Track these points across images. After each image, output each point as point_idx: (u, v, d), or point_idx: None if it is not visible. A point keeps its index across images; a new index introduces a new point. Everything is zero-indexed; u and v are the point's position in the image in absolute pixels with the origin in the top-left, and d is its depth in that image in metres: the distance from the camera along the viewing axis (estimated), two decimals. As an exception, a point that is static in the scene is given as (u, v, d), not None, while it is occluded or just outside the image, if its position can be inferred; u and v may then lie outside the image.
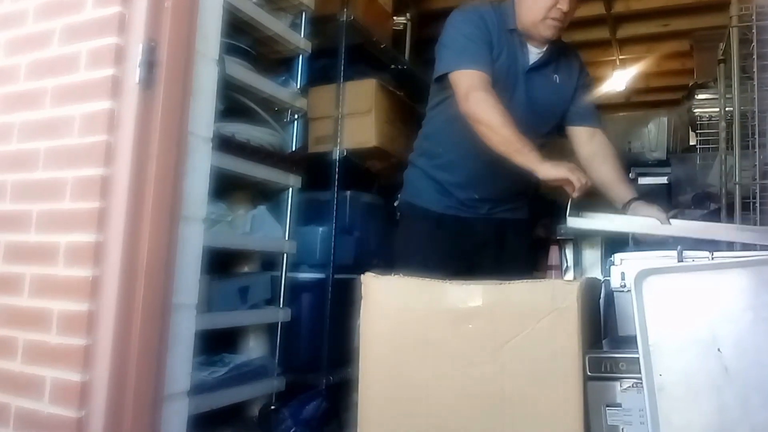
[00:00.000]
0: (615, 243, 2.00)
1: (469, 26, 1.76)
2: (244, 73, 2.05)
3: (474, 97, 1.64)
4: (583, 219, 1.68)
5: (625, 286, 1.38)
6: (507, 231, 1.94)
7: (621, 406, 1.21)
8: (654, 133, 3.18)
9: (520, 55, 1.79)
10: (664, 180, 2.77)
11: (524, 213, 2.00)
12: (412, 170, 1.98)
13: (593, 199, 1.90)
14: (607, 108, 4.67)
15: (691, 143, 3.03)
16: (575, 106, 1.90)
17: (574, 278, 1.97)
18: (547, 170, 1.59)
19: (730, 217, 2.10)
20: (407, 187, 1.98)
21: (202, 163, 1.44)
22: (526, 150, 1.59)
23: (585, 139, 1.88)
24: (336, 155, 2.51)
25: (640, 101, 4.83)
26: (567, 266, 2.04)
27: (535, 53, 1.81)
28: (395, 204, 2.05)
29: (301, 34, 2.34)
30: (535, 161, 1.59)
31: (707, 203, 2.42)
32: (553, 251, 2.16)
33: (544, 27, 1.75)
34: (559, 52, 1.87)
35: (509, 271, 1.64)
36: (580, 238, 2.26)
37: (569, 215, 1.66)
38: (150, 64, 1.30)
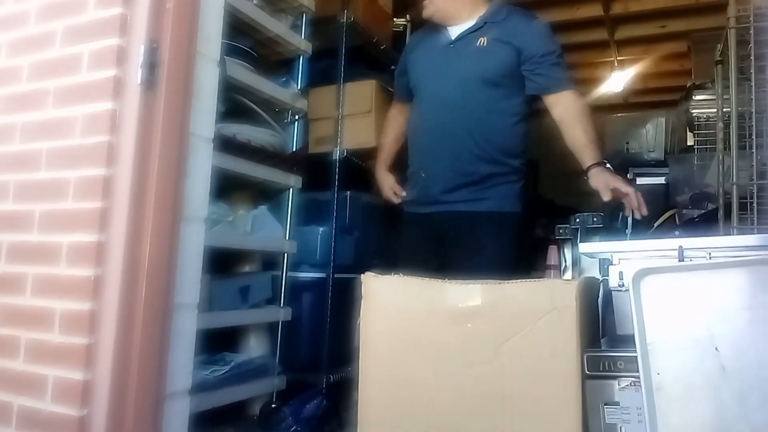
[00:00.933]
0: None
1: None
2: (244, 74, 2.06)
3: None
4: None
5: (623, 285, 1.38)
6: (469, 224, 1.90)
7: (619, 405, 1.21)
8: (652, 133, 3.20)
9: (441, 38, 2.03)
10: (662, 180, 2.78)
11: (492, 204, 1.92)
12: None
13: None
14: (605, 109, 4.69)
15: (689, 144, 3.05)
16: (532, 74, 1.92)
17: (572, 278, 1.97)
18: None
19: (727, 218, 2.11)
20: None
21: (203, 163, 1.44)
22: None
23: (552, 104, 1.95)
24: (336, 156, 2.52)
25: (638, 102, 4.85)
26: (565, 266, 2.04)
27: (456, 31, 2.00)
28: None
29: (301, 36, 2.35)
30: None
31: (705, 203, 2.43)
32: (552, 251, 2.17)
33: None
34: (498, 21, 1.97)
35: (478, 269, 1.71)
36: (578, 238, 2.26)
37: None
38: (151, 65, 1.31)
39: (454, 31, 2.00)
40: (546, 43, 1.94)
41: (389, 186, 2.19)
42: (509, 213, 1.92)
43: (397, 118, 2.24)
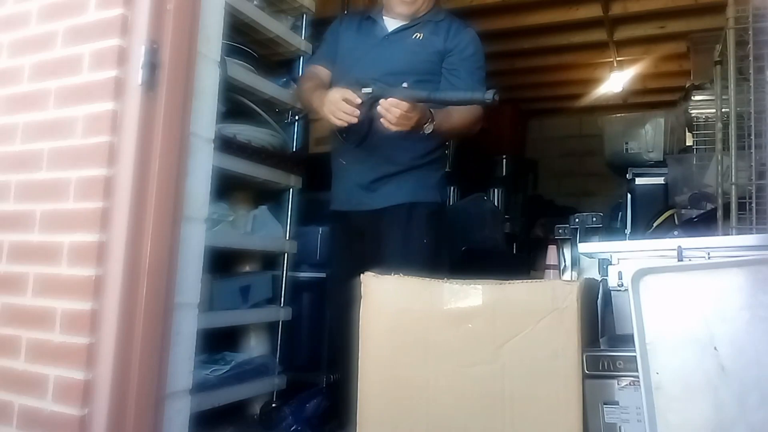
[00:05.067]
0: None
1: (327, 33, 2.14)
2: (245, 74, 2.06)
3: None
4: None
5: (622, 285, 1.39)
6: (384, 220, 1.85)
7: (618, 404, 1.22)
8: (651, 134, 3.20)
9: (377, 28, 2.01)
10: (661, 180, 2.79)
11: (405, 196, 1.85)
12: None
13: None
14: (604, 109, 4.70)
15: (688, 144, 3.04)
16: (449, 73, 1.90)
17: (572, 278, 1.98)
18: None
19: (726, 218, 2.12)
20: None
21: (203, 163, 1.45)
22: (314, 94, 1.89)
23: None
24: (336, 156, 2.51)
25: (637, 102, 4.85)
26: (565, 266, 2.04)
27: (393, 24, 1.99)
28: None
29: (301, 36, 2.35)
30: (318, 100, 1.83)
31: (704, 203, 2.43)
32: (551, 251, 2.17)
33: (396, 4, 1.97)
34: (436, 21, 1.98)
35: (391, 261, 1.67)
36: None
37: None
38: (152, 66, 1.31)
39: (391, 24, 1.99)
40: (471, 48, 1.94)
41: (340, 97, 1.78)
42: (424, 203, 1.86)
43: (317, 77, 2.03)
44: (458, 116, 1.83)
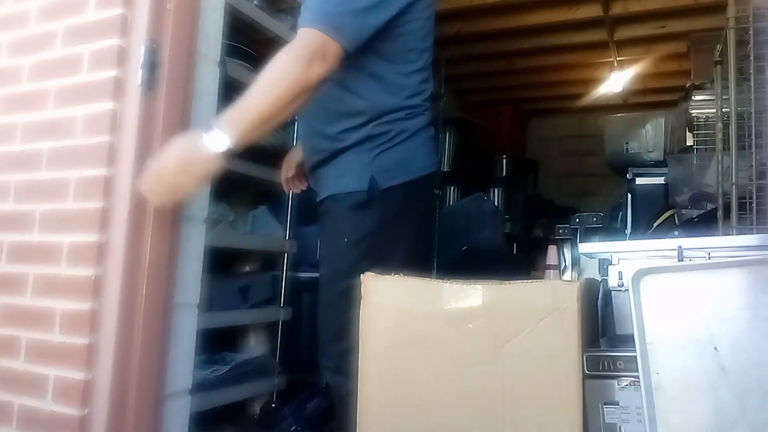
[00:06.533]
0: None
1: None
2: (245, 74, 2.06)
3: None
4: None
5: (622, 285, 1.39)
6: (322, 213, 1.50)
7: (618, 405, 1.21)
8: (651, 134, 3.20)
9: None
10: (661, 180, 2.79)
11: (325, 189, 1.47)
12: None
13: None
14: (605, 109, 4.70)
15: (688, 144, 3.05)
16: None
17: (572, 278, 1.98)
18: None
19: (726, 218, 2.12)
20: None
21: (203, 163, 1.44)
22: None
23: None
24: (336, 156, 2.51)
25: (637, 102, 4.85)
26: (565, 266, 2.04)
27: None
28: None
29: (301, 36, 2.34)
30: None
31: (704, 203, 2.44)
32: (551, 251, 2.17)
33: None
34: None
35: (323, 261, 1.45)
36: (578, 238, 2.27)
37: None
38: (152, 66, 1.31)
39: None
40: None
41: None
42: (344, 193, 1.43)
43: None
44: (256, 97, 1.26)
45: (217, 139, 1.21)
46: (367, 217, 1.43)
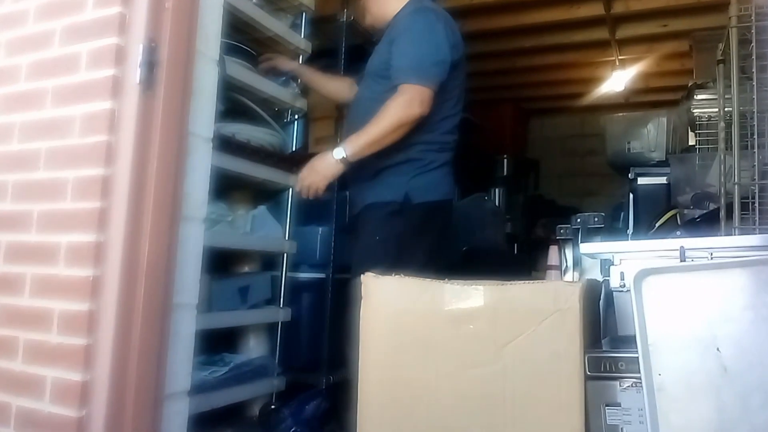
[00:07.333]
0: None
1: None
2: (244, 73, 2.05)
3: None
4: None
5: (624, 286, 1.38)
6: (360, 219, 1.89)
7: (620, 406, 1.21)
8: (653, 133, 3.19)
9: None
10: (663, 180, 2.77)
11: (366, 198, 1.88)
12: None
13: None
14: (606, 108, 4.68)
15: (691, 143, 3.03)
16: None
17: (573, 279, 1.97)
18: None
19: (729, 218, 2.10)
20: None
21: (202, 163, 1.44)
22: None
23: None
24: (336, 155, 2.51)
25: (639, 101, 4.84)
26: (566, 266, 2.03)
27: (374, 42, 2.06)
28: None
29: (301, 35, 2.34)
30: None
31: (706, 203, 2.42)
32: (553, 251, 2.16)
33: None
34: (393, 24, 1.93)
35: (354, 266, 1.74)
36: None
37: None
38: (150, 65, 1.30)
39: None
40: (401, 26, 1.86)
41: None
42: (381, 203, 1.83)
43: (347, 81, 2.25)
44: (373, 127, 1.76)
45: (338, 151, 1.77)
46: (398, 223, 1.80)
